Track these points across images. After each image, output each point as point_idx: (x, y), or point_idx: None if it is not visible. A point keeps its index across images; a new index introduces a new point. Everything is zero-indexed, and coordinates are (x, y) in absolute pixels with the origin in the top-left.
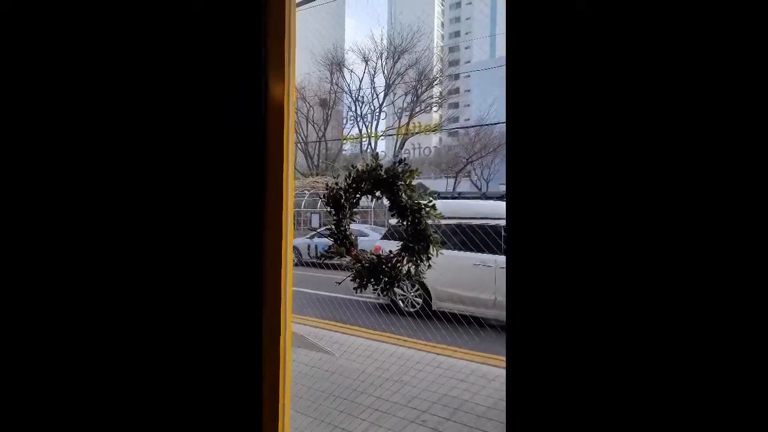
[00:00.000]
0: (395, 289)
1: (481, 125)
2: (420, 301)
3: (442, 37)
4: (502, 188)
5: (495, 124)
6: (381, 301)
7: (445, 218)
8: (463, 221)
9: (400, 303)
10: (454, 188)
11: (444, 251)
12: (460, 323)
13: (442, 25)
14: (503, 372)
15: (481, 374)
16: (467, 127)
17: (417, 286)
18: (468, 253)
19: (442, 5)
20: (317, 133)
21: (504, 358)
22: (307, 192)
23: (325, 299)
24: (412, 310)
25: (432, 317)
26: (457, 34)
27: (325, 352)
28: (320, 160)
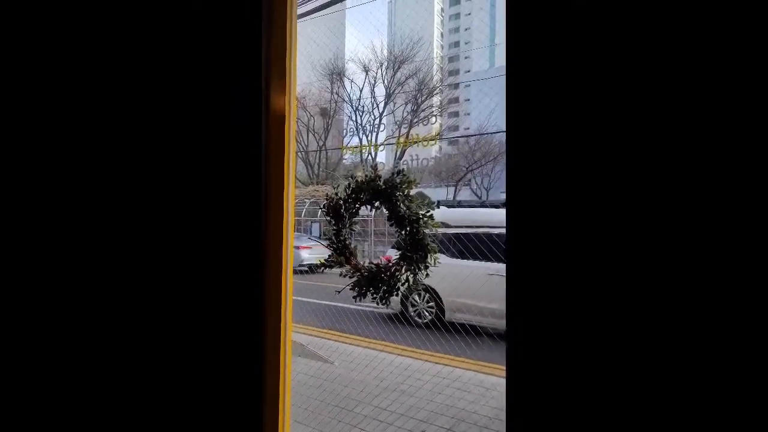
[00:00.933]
0: (408, 299)
1: (481, 134)
2: (432, 311)
3: (442, 47)
4: (503, 196)
5: (495, 133)
6: (388, 311)
7: (451, 227)
8: (477, 230)
9: (412, 314)
10: (454, 197)
11: (457, 261)
12: (472, 334)
13: (442, 35)
14: (503, 381)
15: (478, 382)
16: (467, 136)
17: (429, 297)
18: (482, 263)
19: (442, 16)
20: (318, 142)
21: (504, 367)
22: (307, 201)
23: (332, 309)
24: (424, 321)
25: (444, 328)
26: (456, 44)
27: (324, 361)
28: (320, 169)
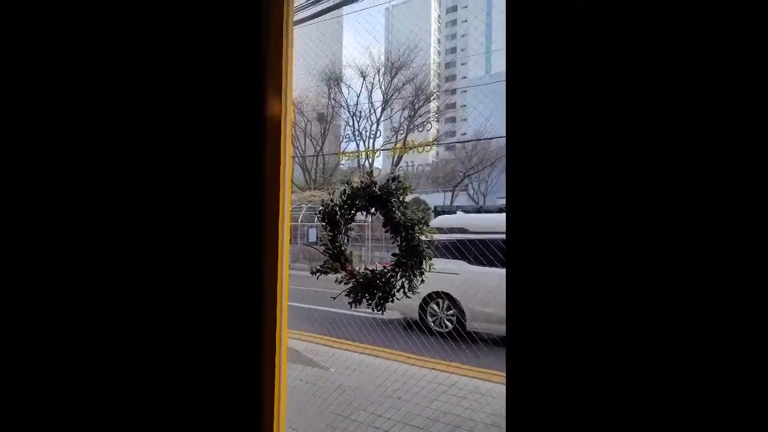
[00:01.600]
0: (426, 308)
1: (478, 139)
2: (452, 320)
3: (439, 53)
4: (500, 202)
5: (491, 138)
6: (398, 317)
7: (469, 233)
8: (498, 236)
9: (431, 323)
10: (451, 202)
11: (478, 268)
12: (467, 341)
13: (439, 41)
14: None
15: (473, 388)
16: (464, 141)
17: (449, 305)
18: (503, 270)
19: (438, 23)
20: (315, 148)
21: (504, 374)
22: (304, 206)
23: (330, 315)
24: (444, 330)
25: (453, 337)
26: (453, 50)
27: (320, 367)
28: (318, 174)
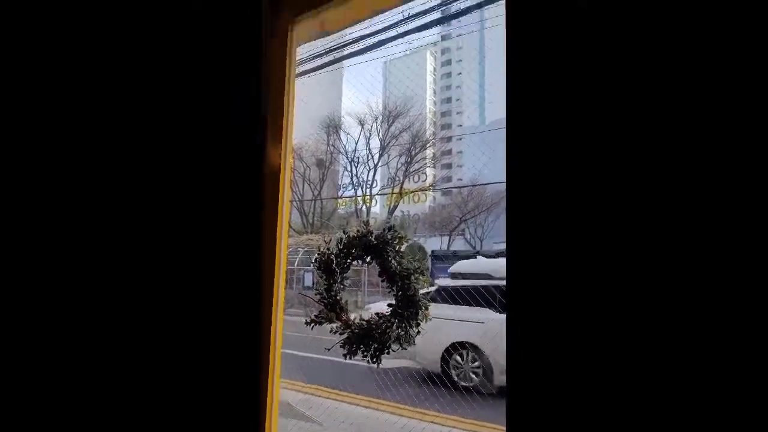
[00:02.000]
0: (449, 360)
1: (474, 185)
2: (479, 373)
3: (434, 102)
4: (496, 247)
5: (487, 184)
6: (416, 367)
7: (494, 278)
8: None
9: (454, 376)
10: (448, 246)
11: (504, 316)
12: (461, 392)
13: (434, 92)
14: None
15: None
16: (460, 187)
17: (476, 358)
18: None
19: (434, 75)
20: (313, 192)
21: (503, 428)
22: (301, 249)
23: (327, 364)
24: (469, 384)
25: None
26: (448, 100)
27: (312, 422)
28: (315, 218)
